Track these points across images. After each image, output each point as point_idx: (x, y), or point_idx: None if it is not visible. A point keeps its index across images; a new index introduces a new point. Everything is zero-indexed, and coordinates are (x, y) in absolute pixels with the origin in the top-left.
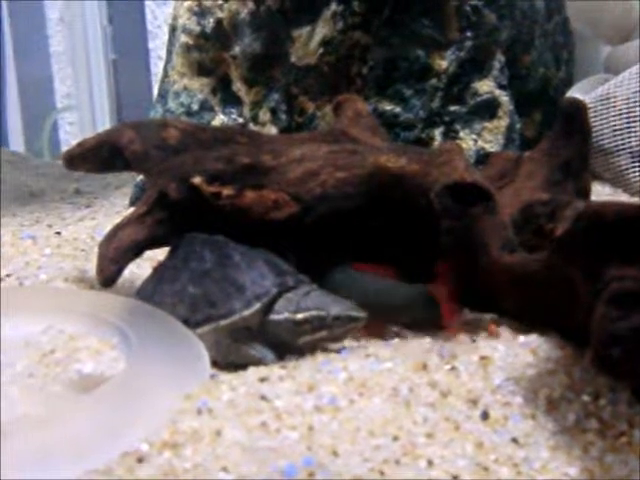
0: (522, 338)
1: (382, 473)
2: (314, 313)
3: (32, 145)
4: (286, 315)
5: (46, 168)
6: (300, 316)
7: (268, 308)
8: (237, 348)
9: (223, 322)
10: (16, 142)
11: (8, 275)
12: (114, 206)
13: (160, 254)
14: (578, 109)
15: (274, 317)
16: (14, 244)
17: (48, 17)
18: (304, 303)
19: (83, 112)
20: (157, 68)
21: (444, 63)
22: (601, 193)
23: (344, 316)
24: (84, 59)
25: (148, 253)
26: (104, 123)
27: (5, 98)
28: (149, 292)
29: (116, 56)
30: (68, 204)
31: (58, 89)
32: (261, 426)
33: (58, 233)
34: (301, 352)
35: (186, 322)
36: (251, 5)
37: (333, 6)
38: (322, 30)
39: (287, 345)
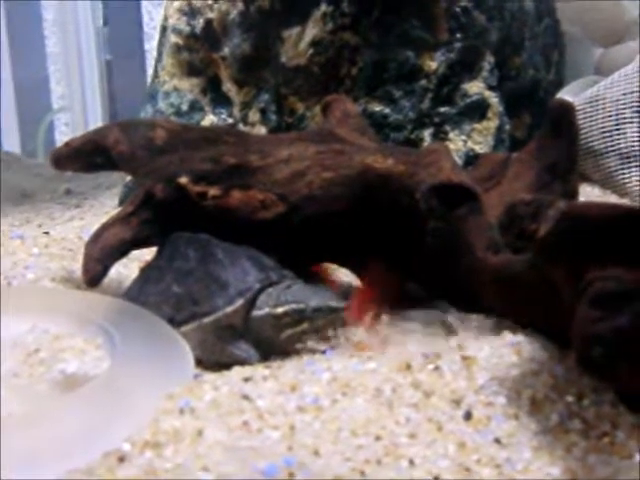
0: (506, 338)
1: (363, 473)
2: (293, 306)
3: (27, 145)
4: (267, 310)
5: (39, 168)
6: (280, 310)
7: (251, 304)
8: (222, 347)
9: (207, 319)
10: (11, 142)
11: None
12: (103, 206)
13: (147, 254)
14: (566, 110)
15: (256, 313)
16: (3, 244)
17: (44, 18)
18: (284, 297)
19: (78, 113)
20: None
21: (434, 64)
22: (590, 195)
23: (324, 307)
24: (79, 60)
25: (135, 253)
26: (98, 124)
27: (0, 98)
28: (135, 292)
29: (111, 57)
30: (58, 204)
31: (54, 90)
32: (243, 426)
33: (46, 233)
34: (285, 349)
35: (171, 321)
36: (241, 6)
37: (323, 7)
38: (312, 31)
39: (271, 341)
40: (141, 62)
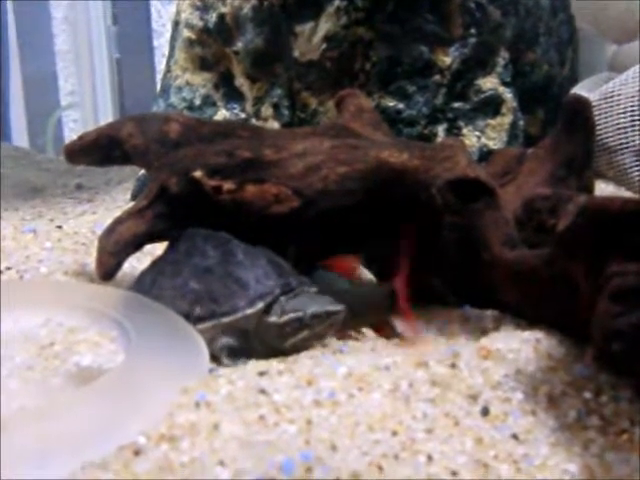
0: (523, 334)
1: (380, 468)
2: (292, 315)
3: (36, 141)
4: (274, 319)
5: (49, 163)
6: (282, 320)
7: (268, 309)
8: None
9: (225, 319)
10: (20, 138)
11: (8, 268)
12: (115, 201)
13: (160, 248)
14: (582, 106)
15: (267, 320)
16: (15, 238)
17: (53, 16)
18: (287, 306)
19: (87, 110)
20: (162, 66)
21: (448, 59)
22: (604, 191)
23: (322, 312)
24: (88, 57)
25: (148, 247)
26: (107, 120)
27: (9, 94)
28: (147, 285)
29: (120, 55)
30: (70, 199)
31: (62, 87)
32: (259, 420)
33: (59, 227)
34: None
35: (187, 317)
36: (254, 0)
37: (336, 1)
38: (325, 25)
39: (276, 348)
40: (150, 60)
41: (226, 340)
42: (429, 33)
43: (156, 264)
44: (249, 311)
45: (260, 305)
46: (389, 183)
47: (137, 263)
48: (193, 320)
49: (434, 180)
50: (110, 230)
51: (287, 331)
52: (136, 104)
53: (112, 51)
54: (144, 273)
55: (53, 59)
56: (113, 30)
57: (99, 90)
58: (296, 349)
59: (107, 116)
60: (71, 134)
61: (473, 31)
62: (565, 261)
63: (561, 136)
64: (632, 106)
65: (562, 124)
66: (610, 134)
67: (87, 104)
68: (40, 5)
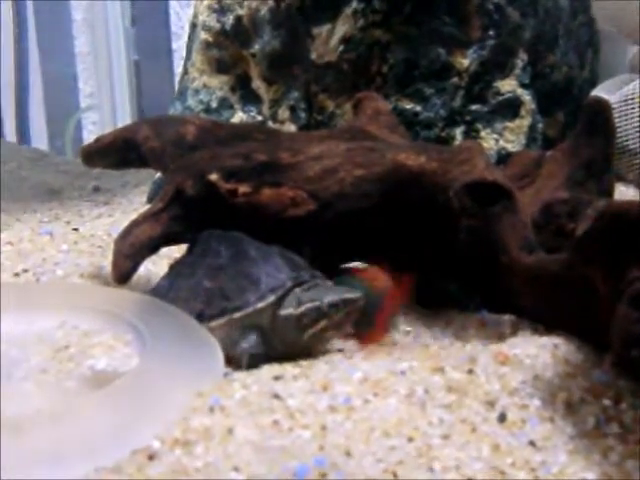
0: (541, 340)
1: (396, 475)
2: (309, 305)
3: (55, 143)
4: (290, 311)
5: (66, 166)
6: (299, 310)
7: (280, 302)
8: (237, 342)
9: (237, 314)
10: (40, 139)
11: (25, 270)
12: (132, 203)
13: (177, 251)
14: (602, 108)
15: (282, 312)
16: (32, 240)
17: (73, 18)
18: (303, 297)
19: (106, 112)
20: (180, 69)
21: (465, 62)
22: (625, 194)
23: (339, 301)
24: (107, 60)
25: (164, 250)
26: (126, 123)
27: (29, 96)
28: (165, 288)
29: (139, 57)
30: (87, 201)
31: (82, 89)
32: (273, 425)
33: (75, 229)
34: (310, 349)
35: (201, 316)
36: (271, 2)
37: (354, 4)
38: (342, 28)
39: (296, 342)
40: (169, 62)
41: (247, 345)
42: (447, 35)
43: (173, 268)
44: (260, 305)
45: (271, 298)
46: (406, 186)
47: (153, 266)
48: (206, 318)
49: (451, 183)
50: (126, 233)
51: (305, 322)
52: (154, 106)
53: (131, 53)
54: (163, 277)
55: (73, 61)
56: (132, 32)
57: (117, 92)
58: (315, 341)
59: (125, 118)
60: (90, 136)
61: (491, 33)
62: (584, 266)
63: (580, 139)
64: None
65: (582, 126)
66: (630, 136)
67: (106, 106)
68: (60, 6)
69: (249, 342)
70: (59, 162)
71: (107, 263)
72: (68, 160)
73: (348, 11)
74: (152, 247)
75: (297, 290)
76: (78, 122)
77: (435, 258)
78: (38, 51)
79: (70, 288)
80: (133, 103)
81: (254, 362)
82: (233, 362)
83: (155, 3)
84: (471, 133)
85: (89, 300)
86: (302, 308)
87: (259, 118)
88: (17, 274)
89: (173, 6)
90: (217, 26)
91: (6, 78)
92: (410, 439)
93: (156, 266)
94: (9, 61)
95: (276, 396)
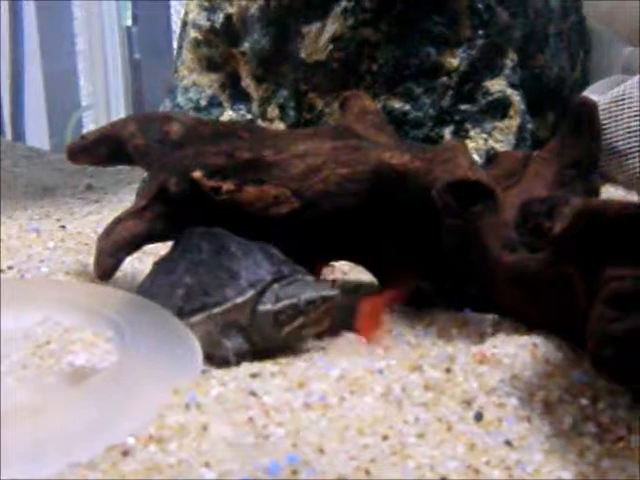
0: (521, 339)
1: (368, 472)
2: (286, 302)
3: (52, 140)
4: (269, 307)
5: (61, 163)
6: (277, 307)
7: (259, 297)
8: (219, 340)
9: (216, 310)
10: (38, 137)
11: (10, 267)
12: (122, 201)
13: (162, 249)
14: (588, 108)
15: (260, 308)
16: (20, 237)
17: (75, 16)
18: (281, 293)
19: (105, 110)
20: None
21: (455, 61)
22: (614, 195)
23: (316, 298)
24: (108, 58)
25: (151, 247)
26: None
27: (24, 94)
28: (147, 285)
29: (140, 56)
30: (79, 199)
31: (83, 87)
32: (248, 422)
33: (63, 227)
34: (288, 345)
35: (180, 311)
36: (261, 1)
37: (343, 2)
38: (332, 27)
39: (274, 338)
40: (170, 61)
41: (230, 344)
42: (436, 35)
43: (158, 264)
44: (239, 300)
45: (250, 293)
46: (390, 185)
47: (139, 264)
48: (186, 314)
49: (435, 182)
50: (109, 230)
51: (282, 319)
52: (155, 105)
53: (132, 52)
54: (147, 275)
55: (74, 59)
56: (133, 30)
57: (118, 90)
58: (292, 338)
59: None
60: None
61: (481, 33)
62: (562, 265)
63: (567, 139)
64: None
65: (568, 126)
66: (620, 137)
67: (106, 104)
68: (62, 4)
69: (234, 343)
70: (54, 160)
71: (92, 260)
72: (63, 158)
73: (338, 10)
74: (135, 245)
75: (276, 286)
76: (79, 120)
77: (419, 257)
78: (39, 49)
79: (54, 284)
80: (134, 101)
81: (242, 360)
82: (213, 359)
83: (156, 2)
84: (460, 133)
85: (73, 297)
86: (279, 305)
87: (248, 116)
88: (2, 271)
89: (174, 5)
90: (207, 24)
91: (3, 75)
92: (385, 437)
93: (142, 263)
94: (5, 58)
95: (252, 393)
